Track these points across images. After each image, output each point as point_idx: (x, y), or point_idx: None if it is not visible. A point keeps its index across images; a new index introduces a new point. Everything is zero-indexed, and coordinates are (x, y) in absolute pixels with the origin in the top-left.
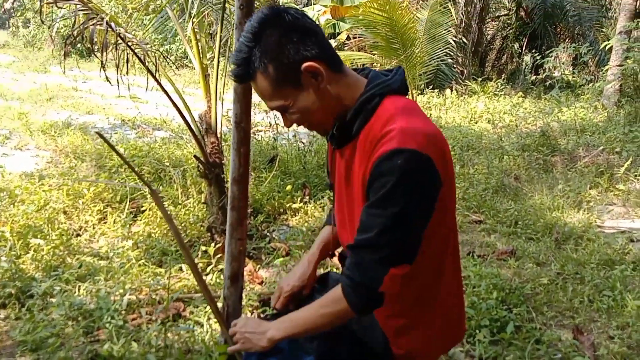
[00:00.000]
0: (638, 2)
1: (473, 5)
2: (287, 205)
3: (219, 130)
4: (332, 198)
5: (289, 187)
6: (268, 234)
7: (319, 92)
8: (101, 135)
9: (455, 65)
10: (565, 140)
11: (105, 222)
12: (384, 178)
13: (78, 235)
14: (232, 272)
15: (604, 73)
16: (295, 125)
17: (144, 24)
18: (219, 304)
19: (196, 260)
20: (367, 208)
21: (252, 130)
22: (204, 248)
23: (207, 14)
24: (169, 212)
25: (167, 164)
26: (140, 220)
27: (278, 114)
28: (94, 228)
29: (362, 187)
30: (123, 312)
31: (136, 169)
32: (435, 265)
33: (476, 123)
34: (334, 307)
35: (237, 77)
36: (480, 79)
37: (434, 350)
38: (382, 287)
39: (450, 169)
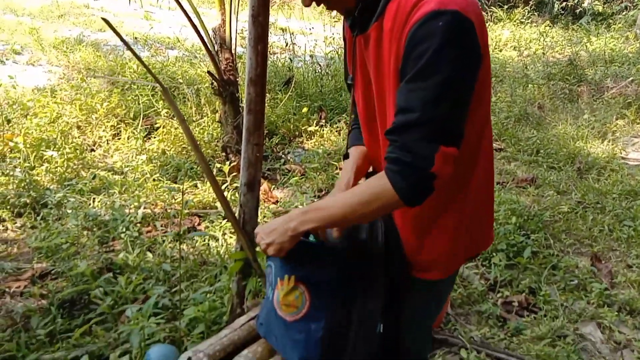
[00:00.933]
0: None
1: None
2: (303, 128)
3: (233, 47)
4: (349, 114)
5: (305, 110)
6: (283, 155)
7: None
8: (107, 22)
9: None
10: (592, 70)
11: (119, 138)
12: (422, 45)
13: (92, 150)
14: (248, 179)
15: (638, 1)
16: (314, 4)
17: None
18: (236, 213)
19: None
20: (405, 84)
21: (270, 50)
22: (218, 166)
23: None
24: (185, 119)
25: (181, 81)
26: (155, 138)
27: (296, 37)
28: (107, 143)
29: (395, 69)
30: (138, 224)
31: (148, 86)
32: (470, 153)
33: (501, 51)
34: (376, 197)
35: None
36: (506, 6)
37: (458, 257)
38: (435, 167)
39: (486, 42)
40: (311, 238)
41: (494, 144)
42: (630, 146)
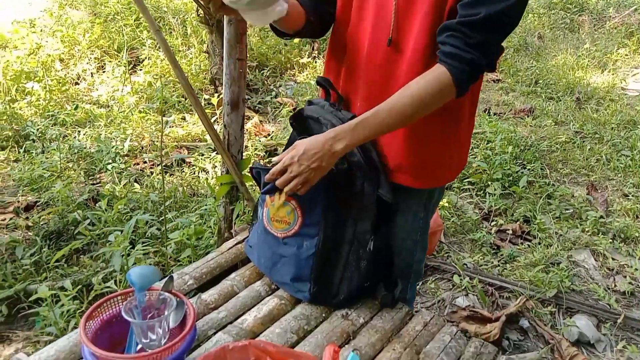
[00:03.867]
0: None
1: None
2: (295, 60)
3: None
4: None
5: (296, 40)
6: (274, 88)
7: None
8: None
9: None
10: None
11: (104, 71)
12: None
13: (76, 83)
14: (232, 97)
15: None
16: None
17: None
18: (220, 135)
19: None
20: None
21: None
22: (207, 97)
23: None
24: (170, 49)
25: (166, 11)
26: (140, 70)
27: None
28: (92, 76)
29: None
30: (125, 156)
31: (132, 16)
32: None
33: None
34: (434, 93)
35: None
36: None
37: (444, 169)
38: (488, 63)
39: None
40: None
41: (491, 75)
42: (630, 77)
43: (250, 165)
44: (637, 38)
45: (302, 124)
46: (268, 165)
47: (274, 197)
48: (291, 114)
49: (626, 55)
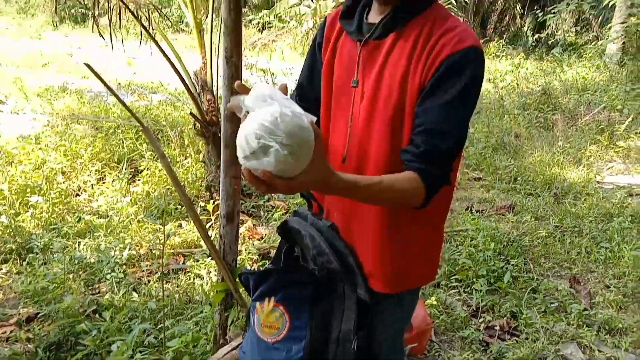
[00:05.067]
0: None
1: None
2: None
3: (214, 88)
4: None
5: None
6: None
7: None
8: (89, 67)
9: None
10: (566, 98)
11: (103, 182)
12: (463, 74)
13: (77, 195)
14: (227, 211)
15: (606, 32)
16: None
17: None
18: (216, 245)
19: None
20: (438, 104)
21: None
22: (202, 204)
23: None
24: (166, 158)
25: (164, 124)
26: (139, 180)
27: (278, 77)
28: (92, 188)
29: (420, 83)
30: (123, 265)
31: (132, 130)
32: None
33: None
34: (405, 196)
35: None
36: (482, 41)
37: (421, 273)
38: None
39: None
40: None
41: (472, 173)
42: (605, 170)
43: (239, 272)
44: (608, 134)
45: (288, 234)
46: (261, 267)
47: (263, 303)
48: (283, 217)
49: (598, 150)
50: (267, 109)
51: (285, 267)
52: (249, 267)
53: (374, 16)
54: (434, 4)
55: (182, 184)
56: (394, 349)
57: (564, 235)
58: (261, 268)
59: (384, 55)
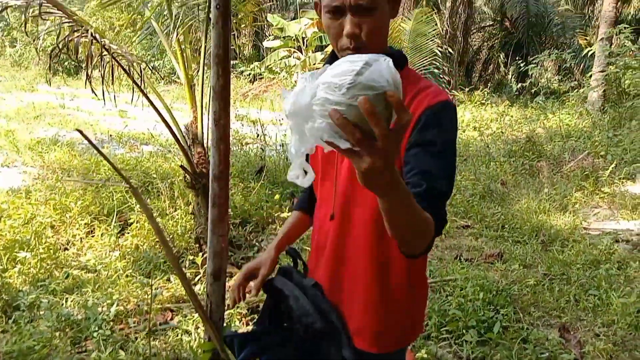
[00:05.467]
0: (618, 10)
1: (458, 16)
2: (276, 215)
3: (205, 141)
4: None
5: (277, 197)
6: (257, 243)
7: (388, 21)
8: (81, 132)
9: (442, 75)
10: (551, 145)
11: (92, 236)
12: (442, 126)
13: (65, 249)
14: (214, 269)
15: (587, 79)
16: (346, 39)
17: (132, 42)
18: (203, 303)
19: (184, 271)
20: (427, 152)
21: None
22: (191, 257)
23: (192, 26)
24: (154, 217)
25: (155, 176)
26: (128, 233)
27: (268, 128)
28: (81, 241)
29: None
30: (111, 322)
31: (123, 183)
32: None
33: (463, 132)
34: (427, 220)
35: None
36: (467, 89)
37: (407, 333)
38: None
39: None
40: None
41: (461, 221)
42: (591, 216)
43: (225, 333)
44: (593, 180)
45: (273, 293)
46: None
47: None
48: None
49: (584, 197)
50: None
51: (269, 328)
52: (237, 322)
53: None
54: (405, 68)
55: (171, 236)
56: None
57: (553, 283)
58: (248, 328)
59: None
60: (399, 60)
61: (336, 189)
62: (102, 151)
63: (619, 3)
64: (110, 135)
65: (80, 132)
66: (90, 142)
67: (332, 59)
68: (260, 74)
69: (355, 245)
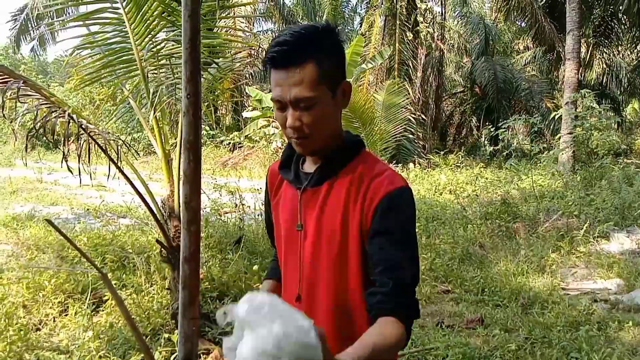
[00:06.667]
0: (581, 74)
1: (429, 84)
2: (255, 286)
3: (181, 215)
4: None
5: (255, 267)
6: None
7: (337, 110)
8: (50, 222)
9: (417, 140)
10: (525, 206)
11: (66, 315)
12: (401, 212)
13: (38, 329)
14: (185, 353)
15: (557, 141)
16: (290, 130)
17: (112, 115)
18: None
19: (159, 349)
20: (392, 241)
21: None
22: (166, 335)
23: (169, 103)
24: (120, 296)
25: (131, 251)
26: (103, 311)
27: (245, 195)
28: (54, 321)
29: (358, 224)
30: None
31: (98, 258)
32: None
33: (440, 194)
34: (396, 341)
35: (290, 52)
36: (442, 152)
37: None
38: None
39: None
40: None
41: (441, 286)
42: (569, 276)
43: None
44: (568, 240)
45: None
46: None
47: None
48: None
49: (560, 257)
50: (268, 328)
51: None
52: None
53: (309, 165)
54: (362, 152)
55: (147, 312)
56: None
57: (534, 347)
58: None
59: (322, 201)
60: (353, 149)
61: (301, 272)
62: (70, 238)
63: (581, 69)
64: (87, 209)
65: (50, 222)
66: (59, 231)
67: (289, 147)
68: (240, 143)
69: (323, 326)
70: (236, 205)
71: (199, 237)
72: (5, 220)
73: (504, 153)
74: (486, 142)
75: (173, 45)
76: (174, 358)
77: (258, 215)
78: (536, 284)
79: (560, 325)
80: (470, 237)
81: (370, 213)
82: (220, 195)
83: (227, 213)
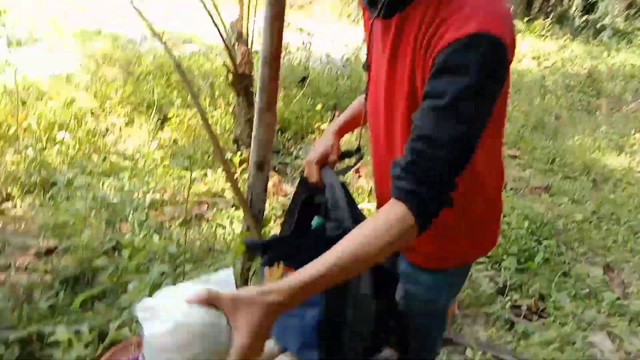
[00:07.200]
0: None
1: None
2: (316, 126)
3: (250, 42)
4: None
5: (319, 107)
6: (294, 151)
7: None
8: (139, 11)
9: None
10: (612, 84)
11: (131, 126)
12: (461, 69)
13: (104, 135)
14: (258, 159)
15: None
16: None
17: None
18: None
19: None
20: (438, 106)
21: (282, 53)
22: (229, 156)
23: None
24: (200, 103)
25: (196, 74)
26: (167, 127)
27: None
28: (120, 130)
29: (418, 69)
30: (146, 208)
31: (164, 77)
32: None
33: (520, 62)
34: (394, 227)
35: None
36: (526, 19)
37: (464, 254)
38: (451, 191)
39: (511, 60)
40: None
41: (509, 151)
42: None
43: (246, 240)
44: None
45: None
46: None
47: (272, 269)
48: None
49: None
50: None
51: (295, 233)
52: (272, 223)
53: None
54: None
55: (210, 124)
56: (430, 324)
57: (601, 221)
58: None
59: (392, 41)
60: None
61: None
62: (160, 37)
63: None
64: (153, 32)
65: (138, 10)
66: (150, 26)
67: None
68: None
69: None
70: (303, 44)
71: (281, 36)
72: (75, 32)
73: (597, 26)
74: (577, 12)
75: None
76: (235, 178)
77: (324, 57)
78: (611, 162)
79: (632, 205)
80: (546, 107)
81: (429, 67)
82: (286, 33)
83: (292, 52)
